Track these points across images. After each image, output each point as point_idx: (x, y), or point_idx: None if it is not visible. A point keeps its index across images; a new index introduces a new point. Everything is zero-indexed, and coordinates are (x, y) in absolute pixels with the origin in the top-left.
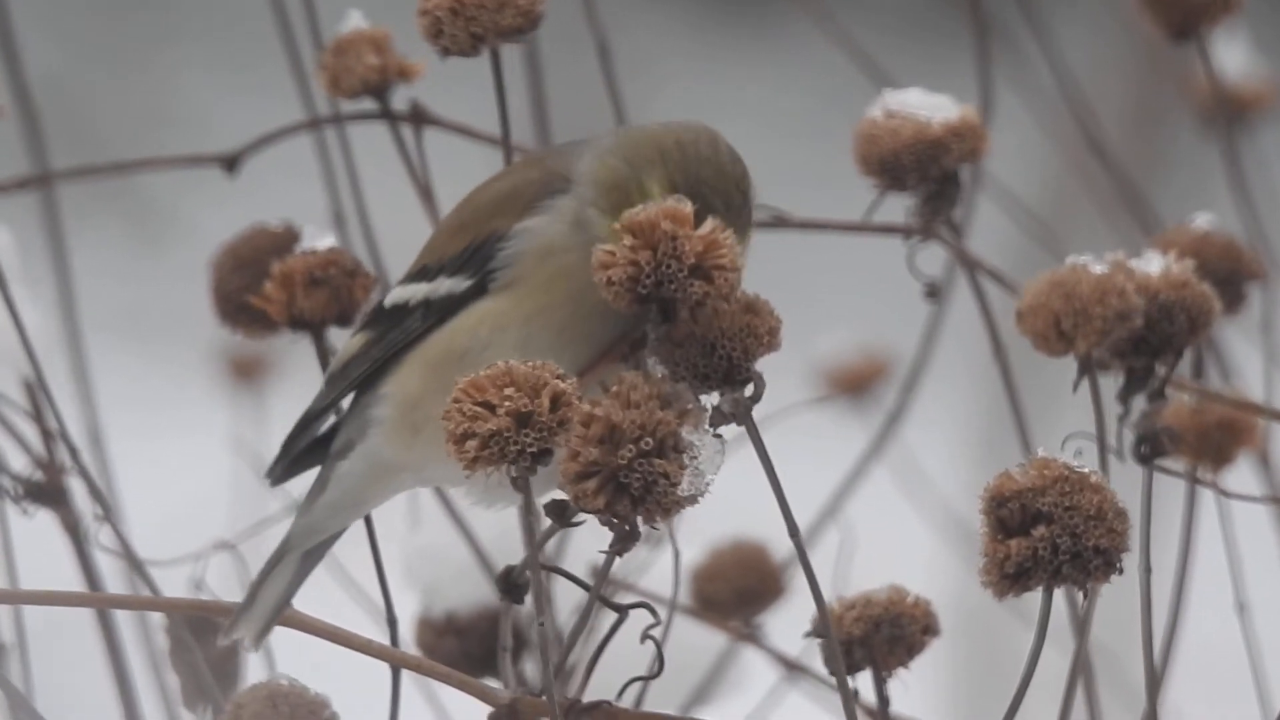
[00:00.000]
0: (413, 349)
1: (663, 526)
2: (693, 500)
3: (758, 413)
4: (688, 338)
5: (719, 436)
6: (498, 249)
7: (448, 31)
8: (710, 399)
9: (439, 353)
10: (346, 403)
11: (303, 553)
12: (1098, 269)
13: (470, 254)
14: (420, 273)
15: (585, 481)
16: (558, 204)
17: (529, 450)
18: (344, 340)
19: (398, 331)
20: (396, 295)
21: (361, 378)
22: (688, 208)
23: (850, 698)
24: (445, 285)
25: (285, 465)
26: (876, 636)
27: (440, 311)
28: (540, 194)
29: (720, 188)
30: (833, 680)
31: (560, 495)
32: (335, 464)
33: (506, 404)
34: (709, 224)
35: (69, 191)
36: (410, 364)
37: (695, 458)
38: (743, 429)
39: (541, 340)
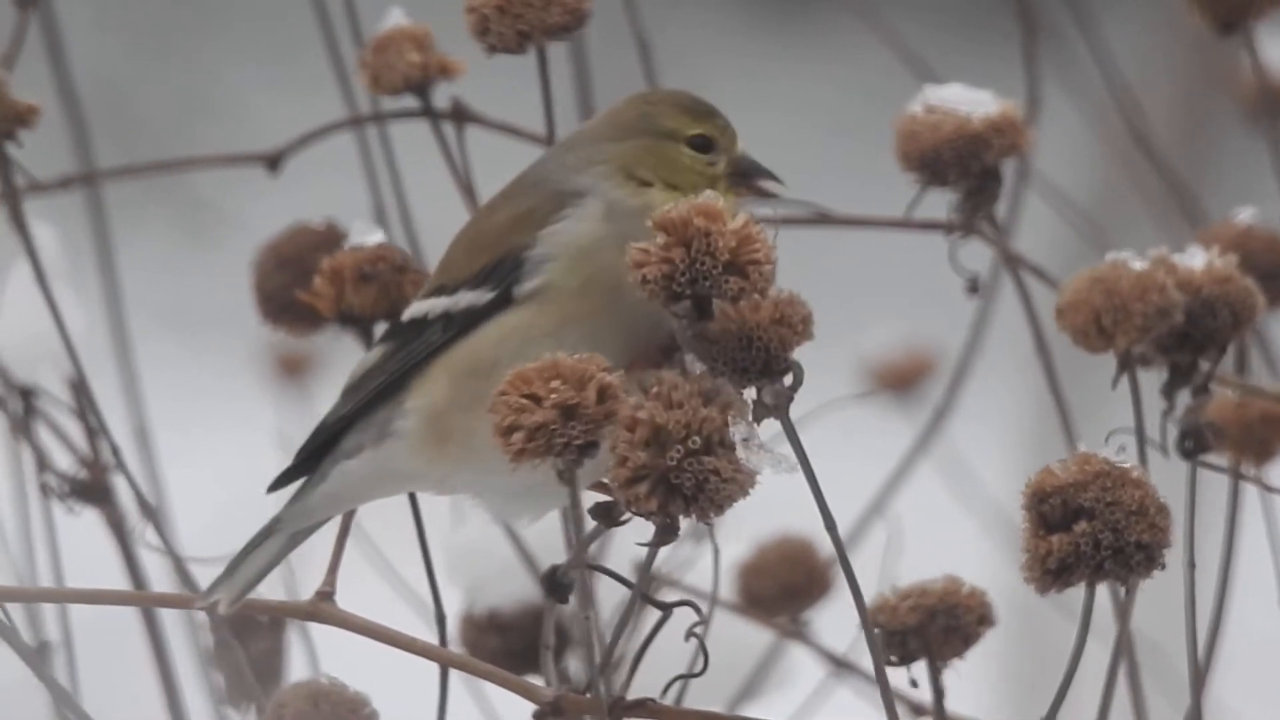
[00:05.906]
0: (434, 362)
1: (708, 523)
2: (752, 485)
3: (804, 407)
4: (723, 333)
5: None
6: (524, 258)
7: (494, 29)
8: (750, 393)
9: (464, 365)
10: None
11: (291, 533)
12: (1138, 265)
13: (492, 269)
14: (438, 289)
15: (636, 486)
16: (581, 209)
17: (575, 443)
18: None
19: (418, 343)
20: (414, 310)
21: (378, 390)
22: (720, 203)
23: (888, 685)
24: (466, 299)
25: (288, 473)
26: (932, 626)
27: (461, 325)
28: (559, 206)
29: (715, 114)
30: (880, 676)
31: (602, 498)
32: (341, 461)
33: (553, 396)
34: (741, 219)
35: (114, 187)
36: (433, 377)
37: (751, 448)
38: (783, 430)
39: (577, 349)
